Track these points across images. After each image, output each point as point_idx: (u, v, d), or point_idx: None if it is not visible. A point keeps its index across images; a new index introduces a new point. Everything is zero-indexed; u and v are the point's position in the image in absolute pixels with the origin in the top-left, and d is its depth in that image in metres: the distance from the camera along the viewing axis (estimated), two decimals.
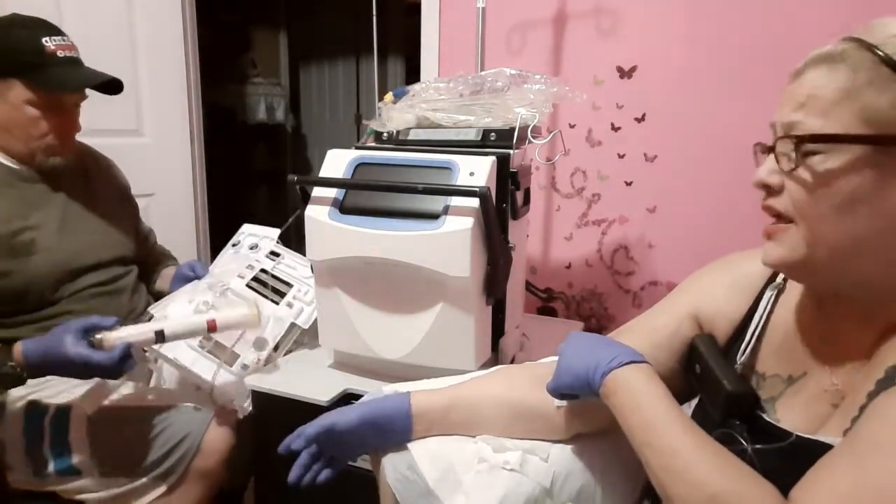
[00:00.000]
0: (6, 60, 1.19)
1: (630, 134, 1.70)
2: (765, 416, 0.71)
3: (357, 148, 1.22)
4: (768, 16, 1.51)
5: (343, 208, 1.12)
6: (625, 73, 1.68)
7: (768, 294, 0.76)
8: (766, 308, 0.76)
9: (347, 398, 1.17)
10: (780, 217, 0.64)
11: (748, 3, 1.53)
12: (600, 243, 1.80)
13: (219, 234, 2.14)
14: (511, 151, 1.13)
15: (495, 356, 1.22)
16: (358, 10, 3.45)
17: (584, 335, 0.81)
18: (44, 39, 1.20)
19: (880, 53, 0.57)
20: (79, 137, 1.34)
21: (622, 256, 1.78)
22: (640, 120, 1.69)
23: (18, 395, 1.20)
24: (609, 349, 0.74)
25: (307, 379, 1.21)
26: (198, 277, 1.38)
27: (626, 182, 1.73)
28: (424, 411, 0.85)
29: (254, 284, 1.35)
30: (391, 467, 0.84)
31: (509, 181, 1.13)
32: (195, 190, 2.31)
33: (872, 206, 0.58)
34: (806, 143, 0.60)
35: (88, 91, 1.28)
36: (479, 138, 1.16)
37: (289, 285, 1.37)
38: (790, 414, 0.70)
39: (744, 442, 0.69)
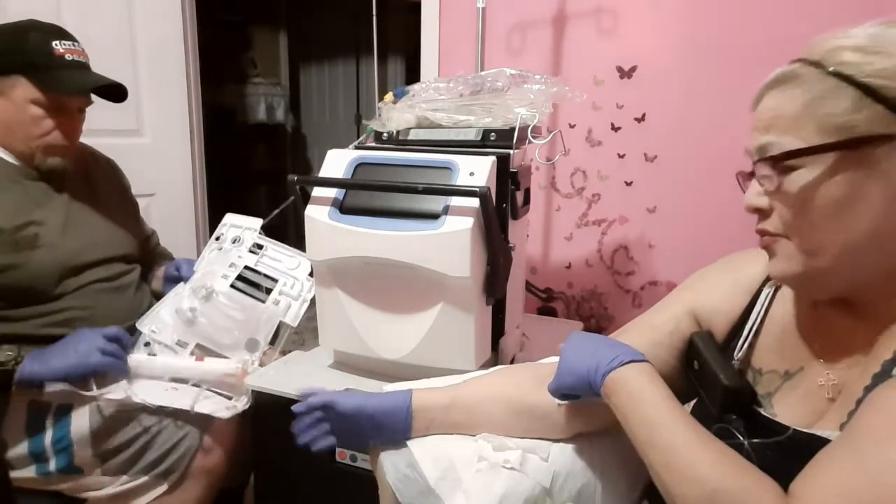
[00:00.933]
0: (14, 58, 1.20)
1: (630, 134, 1.71)
2: (762, 411, 0.72)
3: (357, 148, 1.22)
4: (768, 16, 1.51)
5: (343, 208, 1.13)
6: (625, 73, 1.68)
7: (766, 291, 0.77)
8: (763, 304, 0.77)
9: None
10: (773, 237, 0.67)
11: (748, 4, 1.53)
12: (600, 243, 1.80)
13: None
14: (511, 151, 1.13)
15: (495, 356, 1.22)
16: (358, 10, 3.45)
17: (585, 335, 0.82)
18: (54, 42, 1.22)
19: (824, 67, 0.60)
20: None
21: (622, 256, 1.78)
22: (640, 120, 1.69)
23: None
24: (610, 349, 0.74)
25: (307, 379, 1.21)
26: (182, 278, 1.38)
27: (626, 182, 1.74)
28: (425, 408, 0.86)
29: (239, 284, 1.34)
30: (391, 466, 0.84)
31: (509, 181, 1.13)
32: (195, 190, 2.31)
33: (859, 207, 0.60)
34: (782, 162, 0.62)
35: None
36: (479, 138, 1.16)
37: (274, 280, 1.35)
38: (787, 409, 0.70)
39: (741, 436, 0.70)
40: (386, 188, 1.10)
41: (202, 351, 1.28)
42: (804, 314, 0.73)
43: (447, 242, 1.04)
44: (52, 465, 1.19)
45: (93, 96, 1.30)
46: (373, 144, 1.26)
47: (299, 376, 1.23)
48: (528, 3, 1.73)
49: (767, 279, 0.77)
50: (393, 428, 0.85)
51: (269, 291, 1.35)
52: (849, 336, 0.67)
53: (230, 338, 1.29)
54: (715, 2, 1.56)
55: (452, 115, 1.19)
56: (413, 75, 2.28)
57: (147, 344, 1.28)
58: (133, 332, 1.30)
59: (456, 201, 1.05)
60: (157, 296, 1.45)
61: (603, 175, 1.76)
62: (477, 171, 1.06)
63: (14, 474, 1.20)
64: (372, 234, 1.08)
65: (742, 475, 0.60)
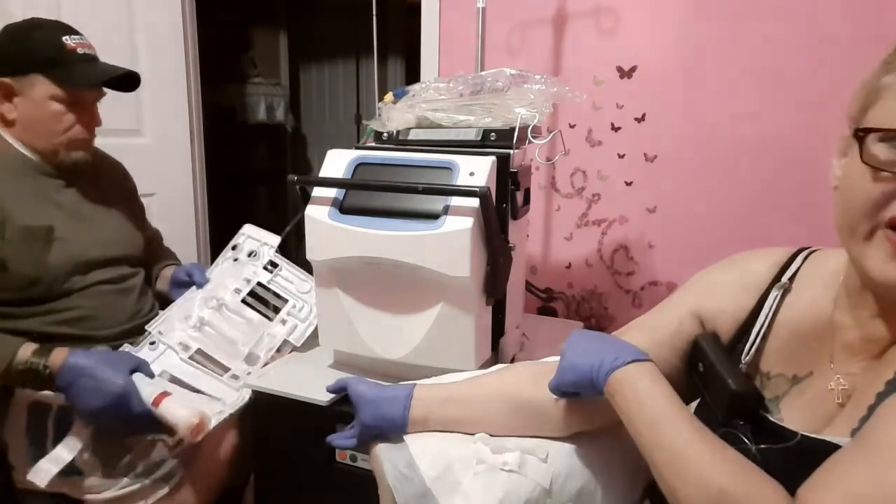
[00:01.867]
0: (29, 58, 1.20)
1: (630, 134, 1.70)
2: (769, 415, 0.71)
3: (357, 148, 1.22)
4: (768, 16, 1.51)
5: (343, 208, 1.13)
6: (625, 73, 1.68)
7: (774, 293, 0.75)
8: (771, 307, 0.75)
9: (347, 398, 1.16)
10: None
11: (748, 3, 1.53)
12: (600, 243, 1.80)
13: (219, 234, 2.14)
14: (511, 151, 1.13)
15: (495, 356, 1.22)
16: (358, 11, 3.45)
17: (588, 333, 0.81)
18: (64, 38, 1.23)
19: None
20: None
21: (622, 256, 1.78)
22: (640, 120, 1.69)
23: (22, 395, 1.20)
24: (613, 347, 0.74)
25: (307, 379, 1.20)
26: (194, 283, 1.38)
27: (626, 182, 1.73)
28: (424, 397, 0.88)
29: (249, 300, 1.36)
30: (390, 465, 0.84)
31: (509, 181, 1.13)
32: (195, 190, 2.31)
33: None
34: None
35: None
36: (479, 138, 1.16)
37: (284, 300, 1.37)
38: (794, 413, 0.69)
39: (748, 442, 0.69)
40: (386, 188, 1.10)
41: (203, 356, 1.29)
42: (816, 318, 0.71)
43: (447, 242, 1.04)
44: None
45: (104, 89, 1.31)
46: (373, 144, 1.26)
47: (299, 376, 1.23)
48: (528, 3, 1.73)
49: (775, 281, 0.76)
50: (391, 414, 0.87)
51: (276, 310, 1.36)
52: (863, 342, 0.66)
53: (232, 348, 1.30)
54: (715, 2, 1.56)
55: (452, 115, 1.19)
56: (413, 75, 2.28)
57: (153, 343, 1.29)
58: (132, 334, 1.30)
59: (456, 201, 1.05)
60: (161, 297, 1.45)
61: (603, 175, 1.76)
62: (477, 171, 1.06)
63: (16, 475, 1.21)
64: (372, 234, 1.08)
65: (748, 478, 0.59)
